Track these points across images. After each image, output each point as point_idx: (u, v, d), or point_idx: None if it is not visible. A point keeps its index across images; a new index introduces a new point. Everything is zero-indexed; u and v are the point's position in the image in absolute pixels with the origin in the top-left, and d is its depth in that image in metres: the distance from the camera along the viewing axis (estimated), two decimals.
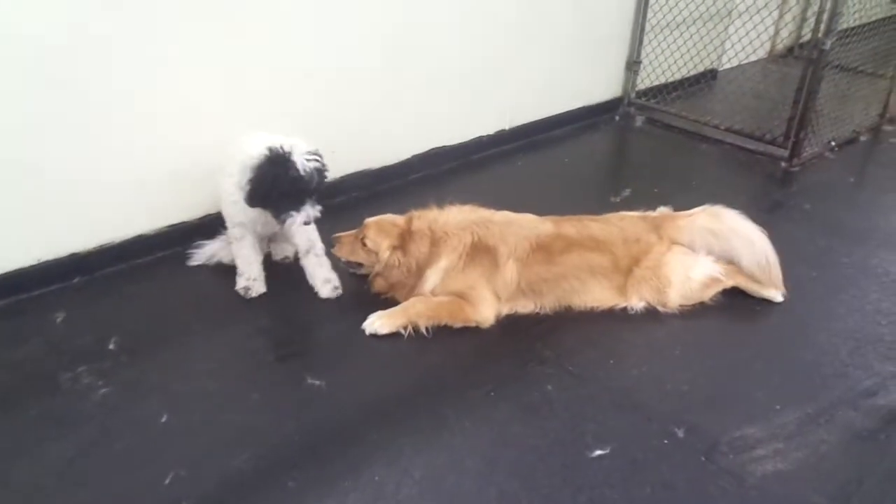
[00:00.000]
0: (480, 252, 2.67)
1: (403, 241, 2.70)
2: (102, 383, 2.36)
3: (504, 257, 2.67)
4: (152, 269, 3.02)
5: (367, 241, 2.74)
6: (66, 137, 2.70)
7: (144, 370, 2.43)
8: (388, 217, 2.82)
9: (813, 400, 2.32)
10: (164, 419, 2.22)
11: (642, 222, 2.85)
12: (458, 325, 2.64)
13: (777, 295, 2.78)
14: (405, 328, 2.59)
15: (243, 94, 3.11)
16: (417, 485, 2.01)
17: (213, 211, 3.19)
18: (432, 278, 2.70)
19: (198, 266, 3.02)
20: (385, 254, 2.70)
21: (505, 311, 2.71)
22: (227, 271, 3.00)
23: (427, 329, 2.59)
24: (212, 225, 3.18)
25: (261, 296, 2.82)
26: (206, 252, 3.04)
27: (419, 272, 2.70)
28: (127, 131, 2.84)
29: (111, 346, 2.52)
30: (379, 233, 2.73)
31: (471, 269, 2.66)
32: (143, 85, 2.81)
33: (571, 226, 2.78)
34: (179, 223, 3.14)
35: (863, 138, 4.43)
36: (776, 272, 2.77)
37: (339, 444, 2.14)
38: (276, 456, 2.10)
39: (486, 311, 2.66)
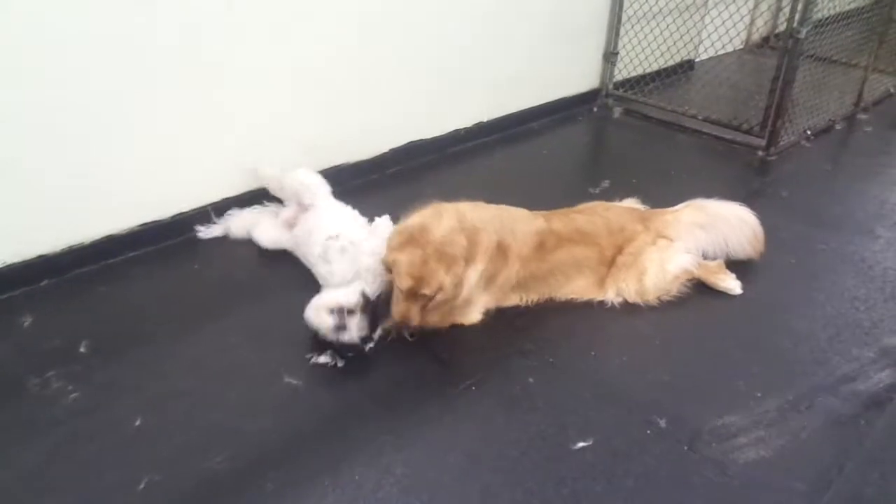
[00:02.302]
0: (500, 253, 2.56)
1: (441, 254, 2.35)
2: (73, 387, 2.29)
3: (513, 256, 2.60)
4: (124, 270, 2.95)
5: (423, 285, 2.34)
6: (33, 137, 2.63)
7: (117, 373, 2.37)
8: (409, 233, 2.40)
9: (793, 387, 2.32)
10: (137, 422, 2.17)
11: (628, 213, 2.85)
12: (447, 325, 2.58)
13: (736, 287, 2.79)
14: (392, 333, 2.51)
15: (217, 92, 3.05)
16: (398, 482, 1.97)
17: (185, 209, 3.14)
18: (472, 279, 2.47)
19: (172, 265, 2.96)
20: (446, 280, 2.35)
21: (492, 306, 2.68)
22: (201, 270, 2.95)
23: (411, 335, 2.52)
24: (184, 223, 3.13)
25: (232, 294, 2.77)
26: (241, 221, 3.07)
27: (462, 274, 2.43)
28: (97, 129, 2.77)
29: (82, 349, 2.46)
30: (416, 266, 2.33)
31: (491, 269, 2.53)
32: (122, 85, 2.75)
33: (559, 220, 2.75)
34: (151, 222, 3.07)
35: (838, 127, 4.47)
36: (761, 245, 2.86)
37: (317, 444, 2.10)
38: (253, 457, 2.06)
39: (476, 316, 2.61)
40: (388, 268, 2.43)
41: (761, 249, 2.91)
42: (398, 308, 2.39)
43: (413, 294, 2.35)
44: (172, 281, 2.90)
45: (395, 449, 2.08)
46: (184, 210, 3.15)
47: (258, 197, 3.33)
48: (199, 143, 3.09)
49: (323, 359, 2.40)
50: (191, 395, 2.28)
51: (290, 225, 3.00)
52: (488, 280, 2.58)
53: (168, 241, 3.12)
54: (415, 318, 2.37)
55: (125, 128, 2.84)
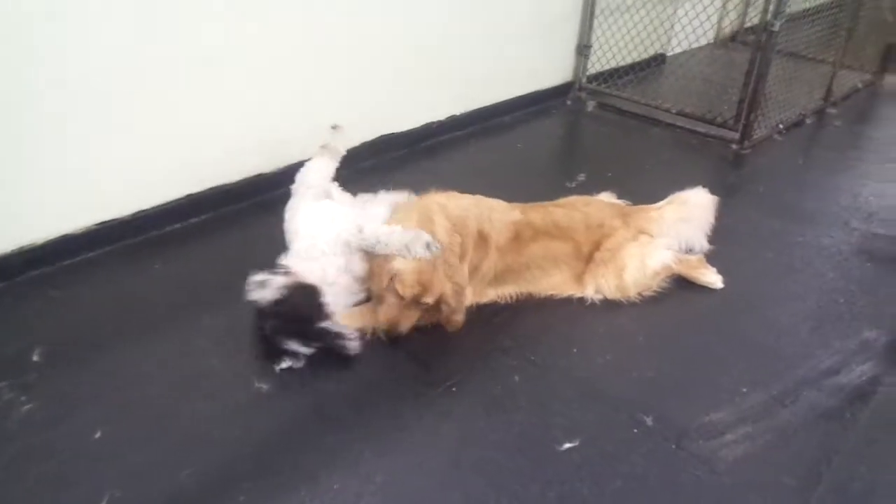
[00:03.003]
0: (481, 240, 2.51)
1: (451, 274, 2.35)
2: (26, 398, 2.14)
3: (492, 246, 2.54)
4: (80, 272, 2.79)
5: (427, 294, 2.28)
6: None
7: (74, 382, 2.23)
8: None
9: (777, 381, 2.29)
10: (97, 435, 2.03)
11: (608, 208, 2.79)
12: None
13: (717, 281, 2.75)
14: (368, 332, 2.41)
15: (177, 86, 2.91)
16: (380, 490, 1.88)
17: (145, 207, 3.00)
18: (466, 274, 2.46)
19: (132, 265, 2.82)
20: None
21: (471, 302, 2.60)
22: (163, 270, 2.81)
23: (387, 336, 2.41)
24: (145, 222, 2.99)
25: (197, 295, 2.64)
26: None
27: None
28: (50, 123, 2.61)
29: (35, 358, 2.31)
30: (424, 273, 2.27)
31: (473, 259, 2.49)
32: (75, 78, 2.60)
33: (536, 213, 2.69)
34: (109, 221, 2.92)
35: (808, 121, 4.49)
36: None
37: (293, 452, 2.00)
38: (224, 468, 1.94)
39: (461, 318, 2.49)
40: (375, 274, 2.35)
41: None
42: (389, 314, 2.31)
43: (414, 302, 2.28)
44: (133, 283, 2.76)
45: (375, 455, 1.98)
46: (144, 208, 3.01)
47: (223, 193, 3.21)
48: (159, 138, 2.94)
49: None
50: (155, 405, 2.15)
51: None
52: (471, 272, 2.51)
53: (127, 240, 2.97)
54: (407, 326, 2.31)
55: (80, 122, 2.69)
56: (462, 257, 2.44)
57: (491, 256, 2.55)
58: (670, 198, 2.87)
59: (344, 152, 2.84)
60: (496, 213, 2.60)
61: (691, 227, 2.81)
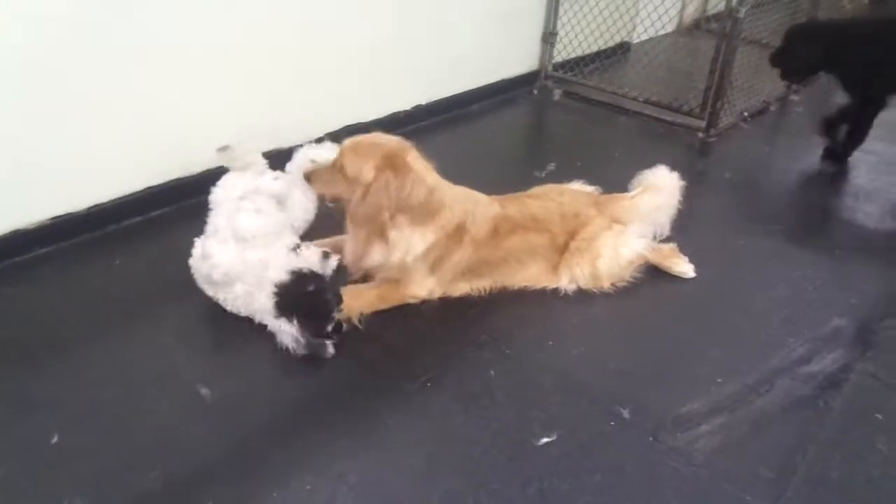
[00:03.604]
0: (457, 233, 2.46)
1: (398, 167, 2.32)
2: None
3: (468, 239, 2.49)
4: (33, 269, 2.66)
5: (347, 167, 2.36)
6: None
7: (28, 384, 2.12)
8: (374, 136, 2.47)
9: (752, 370, 2.29)
10: (54, 439, 1.93)
11: (583, 197, 2.77)
12: (393, 304, 2.51)
13: (689, 271, 2.75)
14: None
15: (139, 75, 2.78)
16: (353, 491, 1.82)
17: (102, 200, 2.87)
18: (419, 248, 2.41)
19: (89, 261, 2.70)
20: (368, 174, 2.32)
21: (437, 293, 2.55)
22: (123, 266, 2.70)
23: (360, 321, 2.41)
24: (101, 216, 2.86)
25: (160, 291, 2.54)
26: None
27: (405, 223, 2.38)
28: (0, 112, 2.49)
29: None
30: (360, 154, 2.36)
31: (441, 248, 2.45)
32: (25, 66, 2.45)
33: (513, 205, 2.64)
34: (63, 215, 2.78)
35: (772, 108, 4.53)
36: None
37: (262, 453, 1.92)
38: (191, 471, 1.86)
39: (420, 292, 2.51)
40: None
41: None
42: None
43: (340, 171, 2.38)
44: (91, 279, 2.64)
45: (349, 455, 1.93)
46: (101, 201, 2.88)
47: (183, 185, 3.09)
48: (118, 129, 2.82)
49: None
50: (116, 406, 2.06)
51: None
52: (437, 260, 2.47)
53: (83, 235, 2.84)
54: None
55: (33, 111, 2.55)
56: (418, 223, 2.39)
57: (465, 249, 2.51)
58: (641, 181, 2.85)
59: (255, 160, 2.73)
60: (480, 208, 2.56)
61: (664, 214, 2.81)
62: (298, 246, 2.41)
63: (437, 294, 2.56)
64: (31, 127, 2.58)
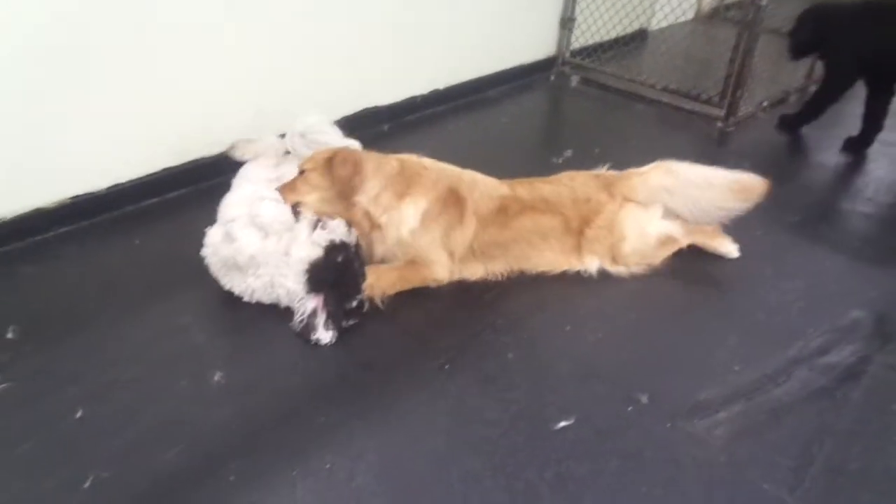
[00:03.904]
0: (453, 201, 2.50)
1: (348, 153, 2.46)
2: (1, 378, 2.06)
3: (469, 213, 2.52)
4: (54, 248, 2.70)
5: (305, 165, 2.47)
6: None
7: (52, 360, 2.15)
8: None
9: (770, 359, 2.28)
10: (78, 414, 1.96)
11: (594, 181, 2.74)
12: (416, 286, 2.52)
13: (733, 250, 2.75)
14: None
15: (156, 57, 2.79)
16: (373, 470, 1.84)
17: (121, 181, 2.89)
18: (412, 218, 2.45)
19: (109, 241, 2.73)
20: (326, 154, 2.44)
21: (456, 275, 2.56)
22: (142, 246, 2.72)
23: (382, 301, 2.43)
24: (120, 197, 2.88)
25: (178, 271, 2.54)
26: None
27: (390, 198, 2.45)
28: (20, 93, 2.49)
29: (10, 335, 2.22)
30: (310, 158, 2.49)
31: (442, 219, 2.49)
32: (48, 48, 2.45)
33: (524, 188, 2.65)
34: (83, 195, 2.80)
35: (792, 98, 4.49)
36: (755, 188, 2.68)
37: (283, 431, 1.94)
38: (212, 448, 1.89)
39: (442, 273, 2.53)
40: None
41: (756, 195, 2.70)
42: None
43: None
44: (111, 259, 2.67)
45: (368, 434, 1.94)
46: (121, 181, 2.89)
47: (201, 167, 3.10)
48: (137, 111, 2.83)
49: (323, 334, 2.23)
50: (137, 384, 2.08)
51: None
52: (445, 232, 2.49)
53: (103, 214, 2.87)
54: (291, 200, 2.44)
55: (53, 91, 2.57)
56: (402, 194, 2.45)
57: (468, 223, 2.53)
58: (657, 163, 2.82)
59: (266, 148, 2.77)
60: (481, 185, 2.60)
61: (676, 199, 2.75)
62: (320, 220, 2.41)
63: (456, 275, 2.57)
64: (53, 108, 2.60)
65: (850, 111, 4.12)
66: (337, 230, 2.35)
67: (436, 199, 2.48)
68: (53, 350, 2.19)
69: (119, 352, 2.20)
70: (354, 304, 2.26)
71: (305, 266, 2.25)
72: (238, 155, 2.68)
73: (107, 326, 2.31)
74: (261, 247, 2.30)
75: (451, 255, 2.55)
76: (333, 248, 2.28)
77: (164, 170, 3.02)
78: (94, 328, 2.29)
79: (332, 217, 2.41)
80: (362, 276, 2.32)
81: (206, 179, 3.10)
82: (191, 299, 2.44)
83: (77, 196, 2.79)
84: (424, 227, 2.47)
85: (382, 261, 2.55)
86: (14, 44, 2.42)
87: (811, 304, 2.55)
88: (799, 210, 3.19)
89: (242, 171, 2.67)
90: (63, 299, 2.43)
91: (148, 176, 2.98)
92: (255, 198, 2.40)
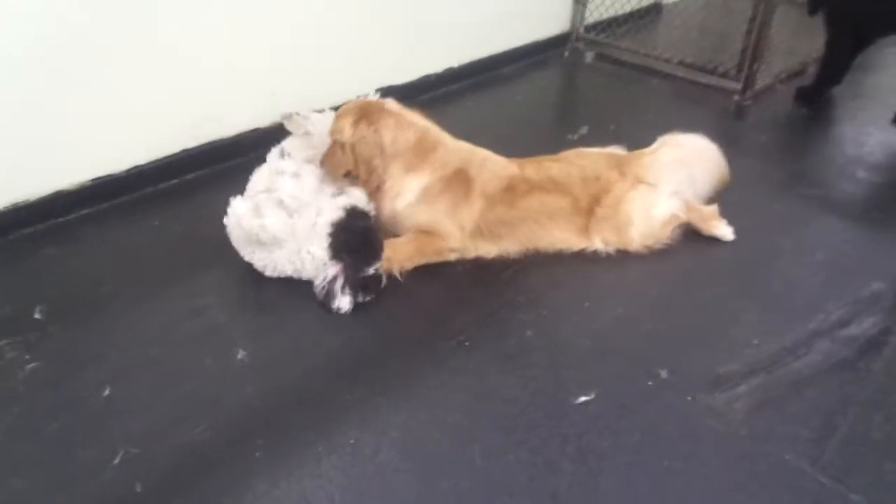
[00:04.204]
0: (459, 180, 2.52)
1: (372, 116, 2.45)
2: (30, 357, 2.10)
3: (476, 191, 2.53)
4: (75, 229, 2.73)
5: (333, 134, 2.48)
6: None
7: (78, 339, 2.19)
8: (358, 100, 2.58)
9: (790, 332, 2.28)
10: (106, 393, 2.00)
11: (603, 160, 2.73)
12: (433, 260, 2.53)
13: (728, 234, 2.72)
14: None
15: (174, 35, 2.79)
16: (396, 445, 1.87)
17: (140, 162, 2.90)
18: (411, 192, 2.50)
19: (130, 222, 2.75)
20: (348, 130, 2.44)
21: (469, 251, 2.58)
22: (163, 227, 2.74)
23: (400, 274, 2.46)
24: (139, 179, 2.90)
25: (199, 252, 2.57)
26: None
27: (397, 171, 2.49)
28: (41, 75, 2.50)
29: (37, 315, 2.26)
30: (340, 116, 2.50)
31: (445, 196, 2.51)
32: (70, 28, 2.46)
33: (532, 168, 2.65)
34: (104, 176, 2.83)
35: (810, 70, 4.41)
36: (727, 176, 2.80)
37: (307, 408, 1.97)
38: (237, 425, 1.92)
39: (454, 242, 2.54)
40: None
41: (727, 180, 2.82)
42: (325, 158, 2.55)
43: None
44: (132, 240, 2.69)
45: (391, 411, 1.97)
46: (140, 163, 2.91)
47: (218, 148, 3.11)
48: (154, 93, 2.84)
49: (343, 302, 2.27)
50: (162, 363, 2.12)
51: None
52: (451, 208, 2.52)
53: (124, 196, 2.90)
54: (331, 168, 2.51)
55: (73, 73, 2.58)
56: (410, 168, 2.50)
57: (474, 202, 2.54)
58: (663, 138, 2.81)
59: (314, 130, 2.71)
60: (490, 164, 2.61)
61: (687, 170, 2.75)
62: (341, 190, 2.44)
63: (470, 252, 2.58)
64: (73, 90, 2.61)
65: (870, 82, 4.07)
66: (358, 197, 2.41)
67: (440, 178, 2.51)
68: (79, 330, 2.23)
69: (143, 331, 2.24)
70: (372, 271, 2.29)
71: (329, 229, 2.28)
72: (292, 128, 2.66)
73: (129, 306, 2.34)
74: (285, 227, 2.31)
75: (462, 230, 2.56)
76: (355, 213, 2.34)
77: (182, 151, 3.04)
78: (117, 308, 2.33)
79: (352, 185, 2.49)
80: (380, 246, 2.35)
81: (224, 161, 3.12)
82: (212, 279, 2.47)
83: (97, 178, 2.82)
84: (425, 203, 2.51)
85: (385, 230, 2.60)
86: (36, 27, 2.43)
87: (831, 277, 2.54)
88: (818, 183, 3.17)
89: (283, 144, 2.67)
90: (86, 280, 2.46)
91: (166, 158, 2.99)
92: (274, 172, 2.41)
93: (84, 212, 2.80)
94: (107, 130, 2.76)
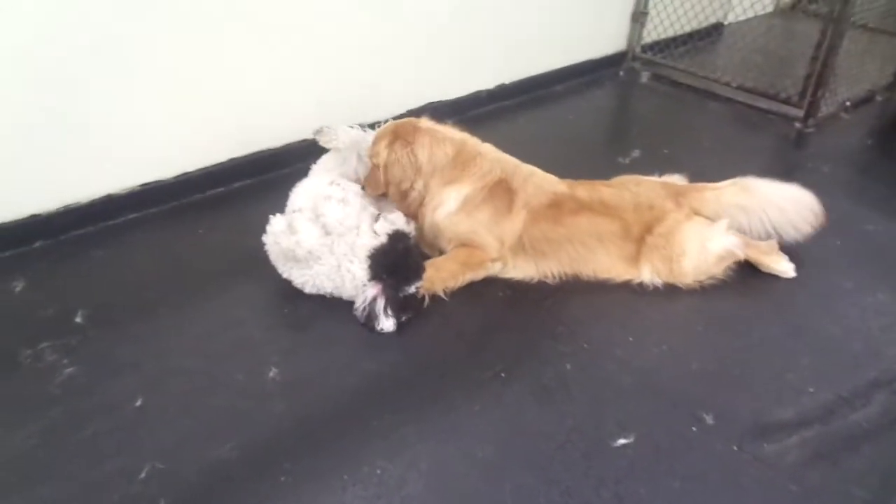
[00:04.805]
0: (501, 191, 2.49)
1: (407, 137, 2.47)
2: (68, 361, 2.12)
3: (519, 205, 2.49)
4: (123, 233, 2.76)
5: (371, 158, 2.52)
6: (23, 88, 2.42)
7: (116, 346, 2.20)
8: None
9: (847, 381, 2.15)
10: (138, 402, 2.00)
11: (660, 188, 2.63)
12: (478, 275, 2.51)
13: (789, 270, 2.58)
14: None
15: (224, 47, 2.81)
16: (424, 478, 1.81)
17: (189, 170, 2.93)
18: (451, 202, 2.49)
19: (174, 229, 2.78)
20: (384, 153, 2.47)
21: (509, 265, 2.54)
22: (206, 235, 2.76)
23: (444, 292, 2.43)
24: (188, 184, 2.93)
25: (239, 263, 2.57)
26: None
27: (436, 186, 2.49)
28: (96, 82, 2.55)
29: (78, 319, 2.28)
30: (376, 140, 2.52)
31: (486, 206, 2.49)
32: (123, 35, 2.51)
33: (583, 189, 2.58)
34: (152, 182, 2.86)
35: (878, 98, 4.22)
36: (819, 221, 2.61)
37: (335, 432, 1.93)
38: (265, 445, 1.89)
39: (495, 252, 2.50)
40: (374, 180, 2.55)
41: (820, 224, 2.61)
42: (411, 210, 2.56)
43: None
44: (175, 247, 2.71)
45: (421, 440, 1.91)
46: (188, 170, 2.94)
47: (265, 157, 3.13)
48: (203, 101, 2.87)
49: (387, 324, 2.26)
50: (196, 375, 2.11)
51: None
52: (491, 219, 2.48)
53: (171, 203, 2.93)
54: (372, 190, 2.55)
55: (126, 81, 2.63)
56: (450, 181, 2.49)
57: (517, 215, 2.49)
58: (735, 179, 2.69)
59: (342, 145, 2.71)
60: (537, 178, 2.57)
61: (752, 218, 2.61)
62: (381, 214, 2.45)
63: (509, 266, 2.54)
64: (126, 99, 2.65)
65: None
66: (397, 221, 2.41)
67: (482, 188, 2.48)
68: (117, 336, 2.24)
69: (178, 341, 2.24)
70: (412, 289, 2.27)
71: (369, 252, 2.28)
72: (323, 141, 2.67)
73: (168, 315, 2.35)
74: (320, 242, 2.30)
75: (501, 242, 2.51)
76: (396, 236, 2.34)
77: (230, 160, 3.06)
78: (155, 316, 2.34)
79: (391, 210, 2.49)
80: (421, 265, 2.34)
81: (271, 170, 3.14)
82: (250, 292, 2.46)
83: (146, 184, 2.86)
84: (466, 212, 2.48)
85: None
86: (91, 34, 2.47)
87: (893, 322, 2.39)
88: (882, 218, 2.99)
89: (322, 160, 2.69)
90: (128, 285, 2.49)
91: (214, 166, 3.02)
92: (321, 196, 2.40)
93: (132, 216, 2.84)
94: (157, 136, 2.80)
